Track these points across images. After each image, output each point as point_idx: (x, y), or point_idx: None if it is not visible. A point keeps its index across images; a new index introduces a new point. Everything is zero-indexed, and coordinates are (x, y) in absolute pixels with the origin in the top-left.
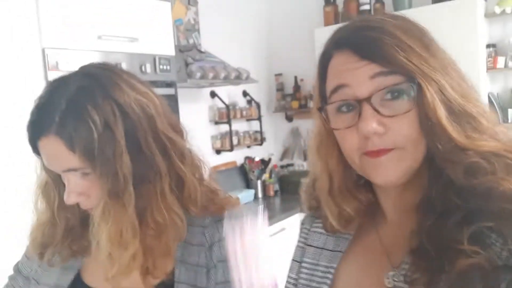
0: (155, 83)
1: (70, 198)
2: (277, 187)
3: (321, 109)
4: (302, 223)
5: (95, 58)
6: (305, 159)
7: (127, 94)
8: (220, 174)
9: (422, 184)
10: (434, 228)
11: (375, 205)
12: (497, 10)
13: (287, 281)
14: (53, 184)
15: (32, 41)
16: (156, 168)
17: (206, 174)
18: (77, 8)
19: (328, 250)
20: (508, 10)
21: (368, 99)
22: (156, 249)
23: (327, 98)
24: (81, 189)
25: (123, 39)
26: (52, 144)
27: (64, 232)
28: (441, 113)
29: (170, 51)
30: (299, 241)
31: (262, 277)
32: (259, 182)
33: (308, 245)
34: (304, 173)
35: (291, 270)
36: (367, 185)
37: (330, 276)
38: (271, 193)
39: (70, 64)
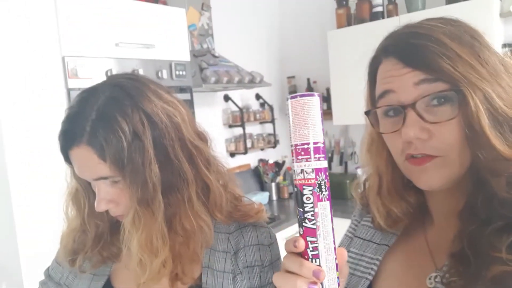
0: (172, 89)
1: (100, 206)
2: (291, 189)
3: (368, 113)
4: (354, 215)
5: (112, 65)
6: None
7: (154, 104)
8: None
9: (465, 190)
10: (475, 234)
11: (424, 207)
12: None
13: None
14: (83, 192)
15: (52, 49)
16: (183, 175)
17: (229, 180)
18: (95, 16)
19: (374, 243)
20: None
21: (412, 105)
22: (185, 256)
23: (376, 102)
24: (111, 197)
25: (140, 46)
26: (83, 153)
27: (94, 238)
28: (485, 122)
29: (186, 56)
30: (348, 231)
31: None
32: (273, 184)
33: (356, 236)
34: None
35: None
36: (416, 187)
37: (374, 267)
38: (286, 195)
39: (89, 71)
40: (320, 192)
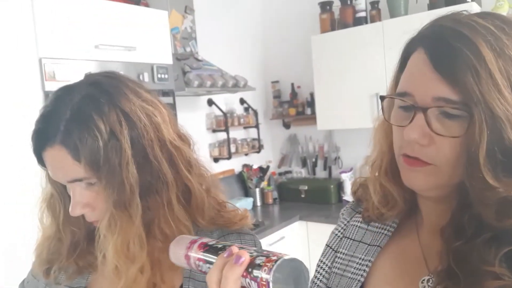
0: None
1: (75, 210)
2: (275, 194)
3: (382, 98)
4: (342, 214)
5: (92, 67)
6: (303, 166)
7: (132, 102)
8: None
9: (450, 207)
10: (461, 250)
11: (416, 207)
12: None
13: (320, 266)
14: (58, 197)
15: (29, 51)
16: (163, 177)
17: (212, 185)
18: (74, 17)
19: (365, 243)
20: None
21: (424, 109)
22: (164, 263)
23: (396, 89)
24: (86, 201)
25: (120, 48)
26: (57, 154)
27: (70, 247)
28: (482, 152)
29: (168, 59)
30: (337, 229)
31: None
32: (257, 190)
33: (345, 237)
34: (303, 180)
35: (325, 255)
36: None
37: (366, 268)
38: (270, 200)
39: (67, 74)
40: None
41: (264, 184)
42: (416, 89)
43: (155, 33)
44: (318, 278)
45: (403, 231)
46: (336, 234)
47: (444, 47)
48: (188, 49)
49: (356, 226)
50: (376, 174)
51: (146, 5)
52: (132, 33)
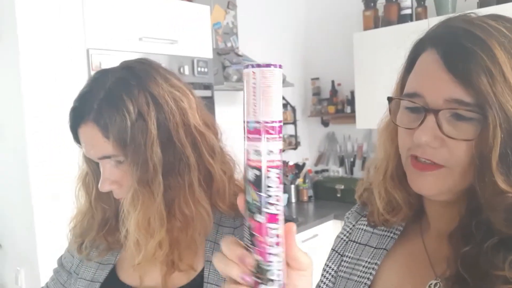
0: (193, 85)
1: (103, 185)
2: (311, 192)
3: (390, 99)
4: (347, 217)
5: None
6: (340, 165)
7: (161, 87)
8: None
9: (458, 212)
10: (470, 255)
11: (421, 211)
12: None
13: (325, 270)
14: (92, 176)
15: (77, 42)
16: (185, 160)
17: (239, 176)
18: (120, 10)
19: (371, 246)
20: None
21: (435, 111)
22: (182, 242)
23: (403, 90)
24: (114, 178)
25: (163, 41)
26: (89, 131)
27: (100, 223)
28: (495, 155)
29: (208, 53)
30: (342, 233)
31: None
32: (292, 186)
33: (351, 240)
34: (339, 180)
35: (331, 259)
36: None
37: (373, 271)
38: (305, 198)
39: (112, 65)
40: (282, 174)
41: (299, 181)
42: (427, 90)
43: (196, 27)
44: (324, 282)
45: (408, 234)
46: (342, 238)
47: (457, 48)
48: (229, 44)
49: (362, 229)
50: (381, 178)
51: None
52: (174, 27)
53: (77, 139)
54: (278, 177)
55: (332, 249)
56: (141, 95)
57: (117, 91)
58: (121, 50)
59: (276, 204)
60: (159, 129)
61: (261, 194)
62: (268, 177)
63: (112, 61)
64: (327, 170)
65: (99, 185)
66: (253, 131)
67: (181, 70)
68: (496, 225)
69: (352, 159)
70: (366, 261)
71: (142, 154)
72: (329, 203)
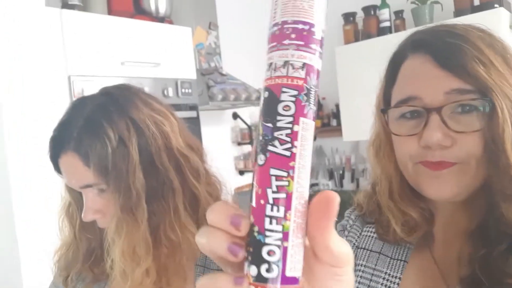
0: (178, 107)
1: (87, 215)
2: None
3: (384, 111)
4: (352, 219)
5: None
6: (330, 178)
7: (142, 112)
8: (244, 195)
9: (477, 209)
10: (487, 258)
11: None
12: None
13: None
14: (75, 205)
15: (59, 69)
16: (169, 184)
17: (227, 197)
18: (101, 36)
19: (386, 256)
20: None
21: (438, 110)
22: (170, 268)
23: (391, 101)
24: (97, 207)
25: (146, 64)
26: (70, 160)
27: (85, 253)
28: (508, 137)
29: (192, 74)
30: (347, 237)
31: None
32: None
33: (360, 247)
34: None
35: None
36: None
37: (396, 286)
38: None
39: (95, 90)
40: (308, 103)
41: None
42: (424, 91)
43: (179, 49)
44: None
45: (416, 244)
46: (352, 242)
47: (444, 45)
48: (212, 64)
49: (370, 236)
50: (388, 198)
51: (171, 22)
52: (156, 50)
53: (58, 169)
54: (296, 102)
55: None
56: (121, 121)
57: (97, 118)
58: (103, 75)
59: (287, 142)
60: (141, 154)
61: (266, 124)
62: (279, 100)
63: (94, 87)
64: (317, 184)
65: (82, 215)
66: (270, 38)
67: (165, 92)
68: (508, 215)
69: (341, 172)
70: (386, 273)
71: (124, 181)
72: None
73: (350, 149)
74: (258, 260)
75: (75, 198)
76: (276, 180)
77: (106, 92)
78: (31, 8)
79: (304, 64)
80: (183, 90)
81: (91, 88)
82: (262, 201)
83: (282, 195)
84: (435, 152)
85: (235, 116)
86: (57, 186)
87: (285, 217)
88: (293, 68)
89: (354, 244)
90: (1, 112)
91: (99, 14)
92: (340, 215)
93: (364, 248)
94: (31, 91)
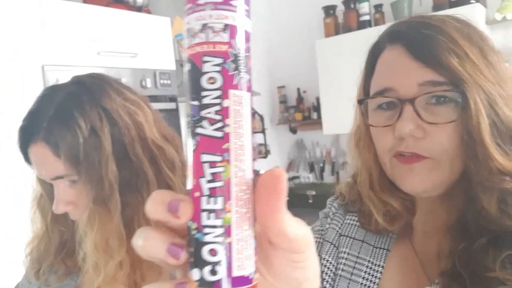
0: (156, 98)
1: (58, 207)
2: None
3: (361, 101)
4: (334, 207)
5: None
6: (310, 171)
7: (114, 101)
8: None
9: (457, 203)
10: (467, 252)
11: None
12: (498, 17)
13: (324, 265)
14: (47, 197)
15: (32, 58)
16: (143, 175)
17: None
18: (76, 25)
19: (369, 244)
20: (508, 17)
21: (411, 101)
22: (144, 261)
23: (369, 92)
24: (69, 198)
25: (123, 55)
26: (40, 150)
27: (58, 246)
28: (485, 128)
29: (171, 65)
30: (330, 224)
31: None
32: None
33: (343, 235)
34: (310, 186)
35: (327, 252)
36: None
37: (379, 275)
38: None
39: None
40: (237, 71)
41: None
42: (398, 82)
43: (157, 39)
44: (325, 279)
45: (398, 234)
46: (334, 229)
47: (419, 36)
48: None
49: (353, 224)
50: (369, 189)
51: (149, 12)
52: (134, 40)
53: (28, 159)
54: (222, 72)
55: (326, 240)
56: (93, 111)
57: (68, 107)
58: (78, 65)
59: (217, 121)
60: (113, 144)
61: (192, 102)
62: (203, 72)
63: (69, 77)
64: (298, 177)
65: (53, 207)
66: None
67: (143, 83)
68: (488, 207)
69: (321, 165)
70: (369, 261)
71: (96, 172)
72: (301, 210)
73: (331, 143)
74: (199, 262)
75: (47, 190)
76: (210, 167)
77: (78, 81)
78: None
79: (226, 25)
80: (161, 81)
81: (66, 78)
82: (196, 194)
83: (219, 184)
84: (408, 143)
85: None
86: (30, 179)
87: (224, 209)
88: (213, 31)
89: (338, 231)
90: None
91: (74, 2)
92: (322, 208)
93: (347, 236)
94: (4, 79)
